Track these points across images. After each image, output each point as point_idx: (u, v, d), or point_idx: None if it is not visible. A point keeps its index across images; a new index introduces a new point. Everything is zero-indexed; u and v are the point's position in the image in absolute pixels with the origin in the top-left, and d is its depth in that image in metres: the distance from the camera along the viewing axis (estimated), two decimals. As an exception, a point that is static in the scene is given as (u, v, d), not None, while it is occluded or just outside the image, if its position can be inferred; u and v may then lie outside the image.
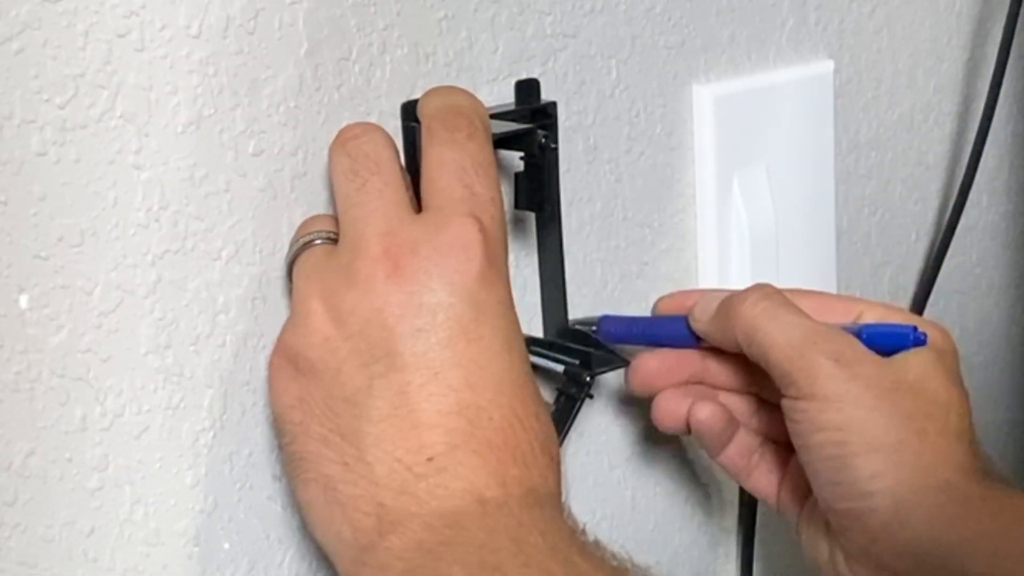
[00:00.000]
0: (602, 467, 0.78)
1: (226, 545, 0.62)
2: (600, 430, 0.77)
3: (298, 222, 0.62)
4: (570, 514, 0.59)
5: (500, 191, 0.61)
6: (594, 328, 0.72)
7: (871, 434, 0.63)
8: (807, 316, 0.67)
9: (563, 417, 0.70)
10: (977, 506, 0.62)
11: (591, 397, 0.70)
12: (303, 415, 0.58)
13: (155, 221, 0.58)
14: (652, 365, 0.72)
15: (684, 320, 0.71)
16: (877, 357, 0.65)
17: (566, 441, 0.71)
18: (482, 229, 0.59)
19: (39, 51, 0.54)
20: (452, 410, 0.57)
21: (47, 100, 0.54)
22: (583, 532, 0.58)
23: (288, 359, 0.59)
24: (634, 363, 0.72)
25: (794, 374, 0.65)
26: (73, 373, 0.57)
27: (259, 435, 0.62)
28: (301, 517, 0.61)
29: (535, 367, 0.71)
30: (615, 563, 0.57)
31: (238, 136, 0.60)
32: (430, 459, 0.56)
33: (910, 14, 0.88)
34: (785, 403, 0.66)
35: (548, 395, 0.73)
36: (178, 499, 0.61)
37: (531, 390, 0.59)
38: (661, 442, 0.80)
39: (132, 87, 0.57)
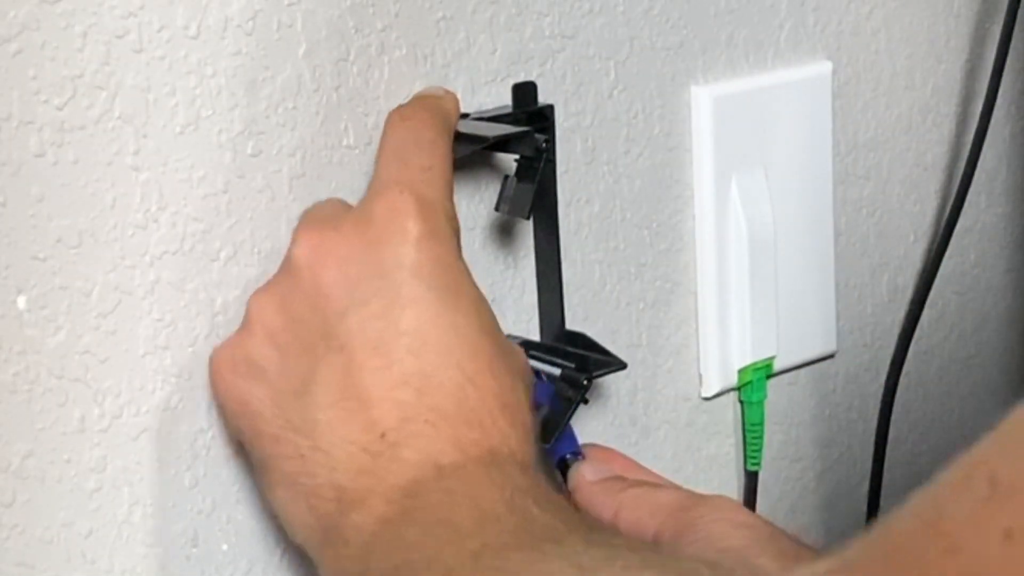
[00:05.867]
0: (600, 468, 0.78)
1: (224, 546, 0.62)
2: (597, 432, 0.77)
3: (297, 223, 0.62)
4: (538, 468, 0.57)
5: (445, 164, 0.60)
6: None
7: None
8: None
9: (557, 420, 0.70)
10: None
11: (585, 402, 0.70)
12: (251, 420, 0.58)
13: (153, 222, 0.58)
14: (586, 479, 0.67)
15: None
16: None
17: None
18: (413, 194, 0.57)
19: (37, 52, 0.54)
20: (398, 382, 0.56)
21: (45, 101, 0.54)
22: (545, 487, 0.56)
23: (226, 366, 0.59)
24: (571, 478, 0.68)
25: None
26: (71, 374, 0.57)
27: (257, 436, 0.62)
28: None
29: (532, 371, 0.71)
30: (575, 515, 0.55)
31: (236, 137, 0.60)
32: (383, 435, 0.55)
33: (908, 15, 0.88)
34: None
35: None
36: (177, 500, 0.61)
37: (483, 345, 0.57)
38: (659, 444, 0.80)
39: (130, 88, 0.57)
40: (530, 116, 0.67)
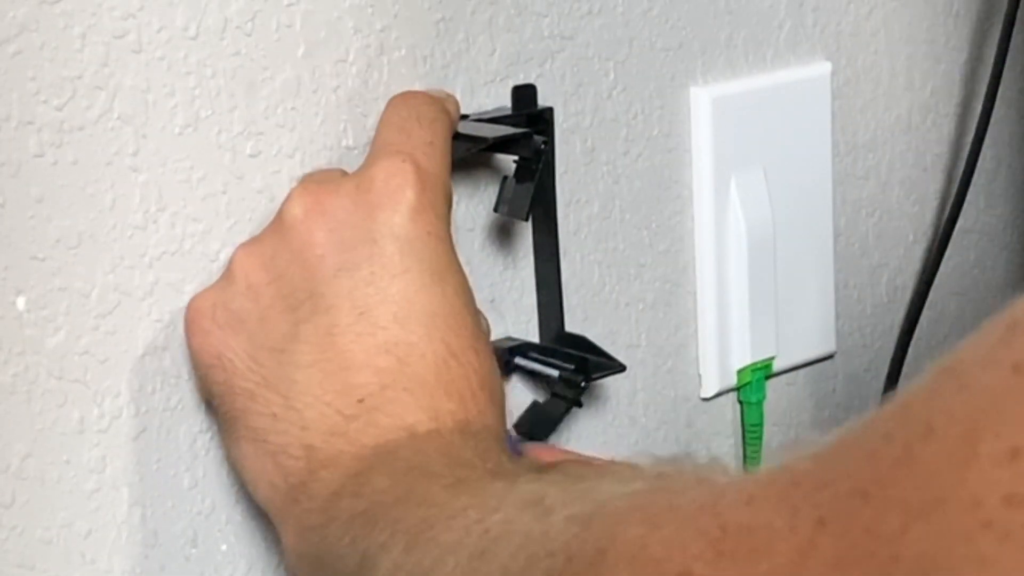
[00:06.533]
0: (600, 468, 0.78)
1: (224, 547, 0.62)
2: (596, 433, 0.77)
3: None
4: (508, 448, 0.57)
5: (446, 143, 0.60)
6: None
7: None
8: None
9: (550, 420, 0.69)
10: None
11: (579, 406, 0.70)
12: (225, 373, 0.57)
13: (152, 223, 0.58)
14: None
15: None
16: None
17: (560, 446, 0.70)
18: (414, 164, 0.57)
19: (36, 53, 0.54)
20: (381, 349, 0.56)
21: (44, 102, 0.54)
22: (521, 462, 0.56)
23: (204, 314, 0.58)
24: None
25: None
26: (71, 375, 0.57)
27: (257, 437, 0.62)
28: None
29: (531, 372, 0.71)
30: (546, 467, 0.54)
31: (235, 138, 0.60)
32: (360, 400, 0.55)
33: (907, 16, 0.88)
34: None
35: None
36: (176, 501, 0.61)
37: (468, 323, 0.58)
38: (658, 446, 0.80)
39: (129, 89, 0.57)
40: (529, 118, 0.67)
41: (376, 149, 0.60)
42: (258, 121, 0.61)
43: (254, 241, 0.59)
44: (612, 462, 0.55)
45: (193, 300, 0.59)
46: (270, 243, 0.58)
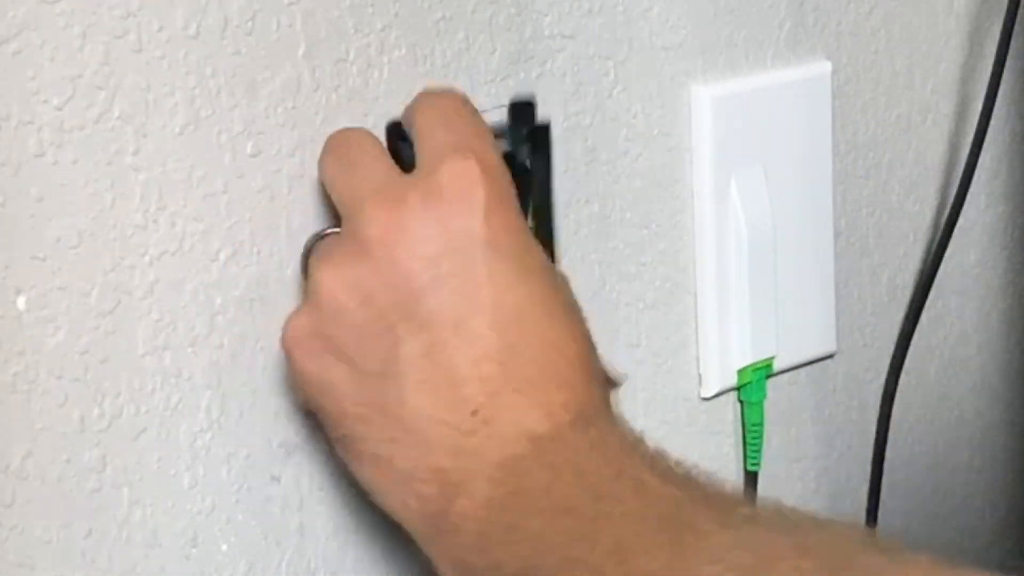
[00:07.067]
0: (600, 468, 0.78)
1: (224, 547, 0.62)
2: (598, 431, 0.77)
3: (296, 223, 0.62)
4: (625, 424, 0.57)
5: (489, 130, 0.60)
6: None
7: None
8: None
9: None
10: None
11: None
12: (333, 399, 0.57)
13: (153, 222, 0.58)
14: None
15: None
16: None
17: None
18: (476, 159, 0.57)
19: (37, 52, 0.54)
20: (483, 357, 0.56)
21: (45, 101, 0.54)
22: (642, 442, 0.56)
23: (310, 335, 0.58)
24: None
25: None
26: (71, 374, 0.57)
27: (257, 436, 0.62)
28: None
29: None
30: (681, 471, 0.55)
31: (236, 137, 0.60)
32: (474, 412, 0.55)
33: (908, 15, 0.88)
34: None
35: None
36: (176, 500, 0.61)
37: (560, 311, 0.57)
38: (660, 443, 0.80)
39: (130, 88, 0.57)
40: (528, 134, 0.66)
41: (430, 151, 0.58)
42: (258, 120, 0.61)
43: (334, 264, 0.58)
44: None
45: (291, 322, 0.58)
46: (352, 266, 0.57)
